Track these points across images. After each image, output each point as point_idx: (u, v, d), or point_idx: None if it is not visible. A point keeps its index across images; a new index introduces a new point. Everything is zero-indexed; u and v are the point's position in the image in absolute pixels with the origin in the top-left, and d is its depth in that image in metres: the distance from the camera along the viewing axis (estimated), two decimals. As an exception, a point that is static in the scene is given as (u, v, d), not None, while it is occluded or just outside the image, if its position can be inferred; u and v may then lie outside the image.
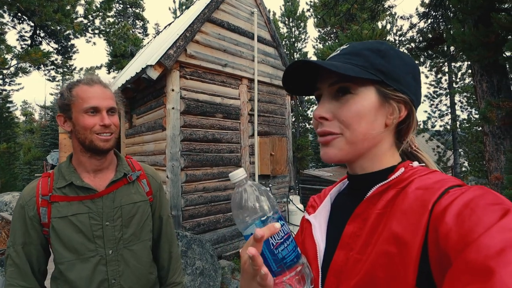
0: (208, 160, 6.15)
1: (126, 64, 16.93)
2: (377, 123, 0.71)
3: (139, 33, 27.54)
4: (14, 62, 13.25)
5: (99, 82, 1.44)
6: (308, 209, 0.91)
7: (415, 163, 0.72)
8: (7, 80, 16.02)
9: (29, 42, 16.50)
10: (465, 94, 18.63)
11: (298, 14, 23.11)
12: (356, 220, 0.70)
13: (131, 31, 23.33)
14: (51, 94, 47.29)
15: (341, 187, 0.90)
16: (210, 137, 6.22)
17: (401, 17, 8.76)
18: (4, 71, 13.70)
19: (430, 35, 7.75)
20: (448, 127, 18.76)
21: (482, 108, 5.10)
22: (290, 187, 8.17)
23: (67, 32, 16.53)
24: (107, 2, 16.90)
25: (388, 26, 15.18)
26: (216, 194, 6.29)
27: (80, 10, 34.24)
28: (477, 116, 16.23)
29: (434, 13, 7.81)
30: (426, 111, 20.68)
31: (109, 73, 22.82)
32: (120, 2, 25.54)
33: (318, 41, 23.63)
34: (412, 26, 8.59)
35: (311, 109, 24.53)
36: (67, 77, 19.78)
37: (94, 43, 18.89)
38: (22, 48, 15.54)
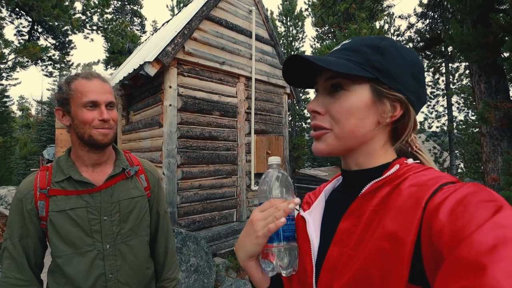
0: (204, 157, 6.14)
1: (123, 61, 16.86)
2: (368, 121, 0.70)
3: (137, 30, 27.39)
4: (11, 56, 13.19)
5: (98, 76, 1.43)
6: (303, 205, 0.91)
7: (410, 160, 0.72)
8: (4, 74, 15.93)
9: (26, 37, 16.44)
10: (462, 95, 18.68)
11: (295, 13, 23.08)
12: (351, 217, 0.70)
13: (129, 28, 23.25)
14: (48, 90, 47.09)
15: (335, 184, 0.90)
16: (207, 134, 6.22)
17: (399, 17, 8.75)
18: (2, 66, 13.62)
19: (428, 35, 7.76)
20: (445, 128, 18.80)
21: (480, 109, 5.10)
22: (287, 185, 8.15)
23: (65, 28, 16.49)
24: (105, -1, 16.87)
25: (386, 26, 15.23)
26: (211, 192, 6.29)
27: (78, 6, 34.11)
28: (473, 118, 16.31)
29: (432, 14, 7.82)
30: (423, 112, 20.65)
31: (106, 69, 22.71)
32: (118, -2, 25.47)
33: (316, 40, 23.66)
34: (410, 26, 8.59)
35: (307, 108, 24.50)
36: (65, 72, 19.73)
37: (92, 39, 18.91)
38: (19, 43, 15.47)
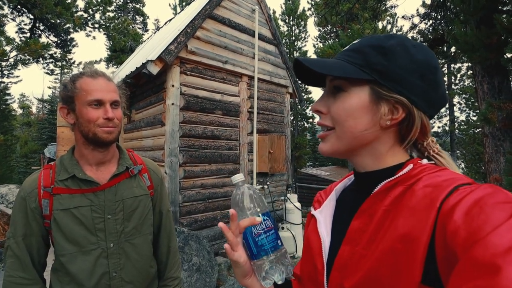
0: (206, 156, 6.14)
1: (125, 59, 16.86)
2: (365, 122, 0.70)
3: (139, 28, 27.47)
4: (13, 53, 13.21)
5: (103, 74, 1.43)
6: (314, 204, 0.91)
7: (424, 161, 0.72)
8: (5, 72, 15.97)
9: (28, 35, 16.46)
10: (464, 95, 18.69)
11: (298, 13, 23.15)
12: (363, 216, 0.70)
13: (131, 26, 23.29)
14: (49, 88, 47.23)
15: (346, 183, 0.89)
16: (209, 133, 6.21)
17: (403, 17, 8.73)
18: (3, 63, 13.65)
19: (430, 36, 7.75)
20: (447, 128, 18.82)
21: (482, 109, 5.10)
22: (288, 185, 8.17)
23: (67, 25, 16.51)
24: (108, -3, 16.90)
25: (389, 27, 15.20)
26: (214, 191, 6.28)
27: (80, 4, 34.18)
28: (475, 118, 16.30)
29: (435, 14, 7.81)
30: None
31: (108, 67, 22.76)
32: (121, -4, 25.49)
33: (319, 40, 23.67)
34: (413, 26, 8.58)
35: (309, 108, 24.54)
36: (66, 70, 19.75)
37: (94, 37, 18.89)
38: (21, 41, 15.49)
